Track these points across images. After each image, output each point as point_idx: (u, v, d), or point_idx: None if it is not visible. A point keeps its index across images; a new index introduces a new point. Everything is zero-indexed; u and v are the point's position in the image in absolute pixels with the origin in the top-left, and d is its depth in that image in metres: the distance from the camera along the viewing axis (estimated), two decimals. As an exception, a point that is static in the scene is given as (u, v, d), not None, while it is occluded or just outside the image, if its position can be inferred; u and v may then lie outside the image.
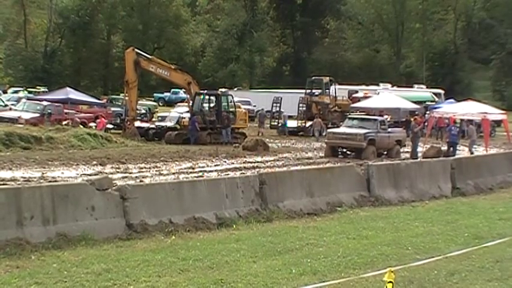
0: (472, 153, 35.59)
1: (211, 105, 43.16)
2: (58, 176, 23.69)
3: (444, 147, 36.82)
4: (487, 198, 22.23)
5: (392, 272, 8.96)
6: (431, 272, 11.81)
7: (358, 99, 57.38)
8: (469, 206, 20.01)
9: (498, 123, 46.98)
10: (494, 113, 39.70)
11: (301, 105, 51.76)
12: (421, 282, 11.17)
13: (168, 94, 79.72)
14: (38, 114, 41.64)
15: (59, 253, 12.28)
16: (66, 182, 20.43)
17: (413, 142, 35.81)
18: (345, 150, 34.99)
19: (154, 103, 71.99)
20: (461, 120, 42.51)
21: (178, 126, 42.40)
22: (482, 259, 12.93)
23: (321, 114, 51.41)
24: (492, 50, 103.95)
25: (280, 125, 51.38)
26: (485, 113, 37.41)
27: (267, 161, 32.05)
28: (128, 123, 41.55)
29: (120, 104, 52.50)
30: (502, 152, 34.96)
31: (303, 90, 54.44)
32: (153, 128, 43.21)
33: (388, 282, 8.66)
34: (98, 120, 44.26)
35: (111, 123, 45.42)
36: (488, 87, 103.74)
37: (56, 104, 44.43)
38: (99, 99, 56.33)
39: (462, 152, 36.95)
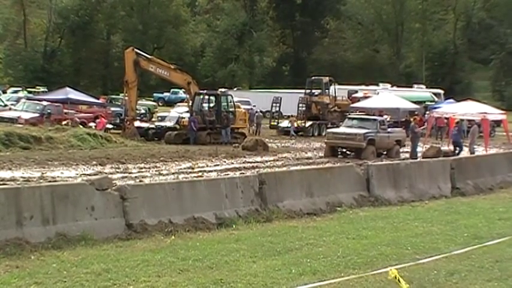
0: (472, 153, 35.57)
1: (211, 105, 43.20)
2: (58, 176, 23.71)
3: (444, 147, 36.89)
4: (486, 198, 22.21)
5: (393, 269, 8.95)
6: (430, 271, 11.80)
7: (358, 99, 57.46)
8: (469, 206, 19.99)
9: (498, 123, 47.01)
10: (494, 113, 39.70)
11: (300, 105, 51.82)
12: (421, 282, 11.16)
13: (167, 94, 79.85)
14: (37, 114, 41.65)
15: (58, 253, 12.28)
16: (66, 182, 20.41)
17: (412, 142, 35.81)
18: (344, 150, 35.02)
19: (154, 103, 72.11)
20: (461, 120, 42.50)
21: (177, 126, 42.42)
22: (482, 259, 12.92)
23: (321, 114, 51.63)
24: (492, 50, 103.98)
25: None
26: (485, 113, 37.43)
27: (266, 161, 32.08)
28: (128, 123, 41.58)
29: (119, 104, 52.53)
30: (502, 152, 34.97)
31: (303, 90, 54.49)
32: (152, 128, 43.26)
33: (396, 277, 8.64)
34: (97, 120, 44.28)
35: (110, 123, 45.42)
36: (488, 87, 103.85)
37: (56, 104, 44.43)
38: (97, 99, 56.33)
39: (462, 152, 36.94)
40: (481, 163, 25.54)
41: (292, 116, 51.86)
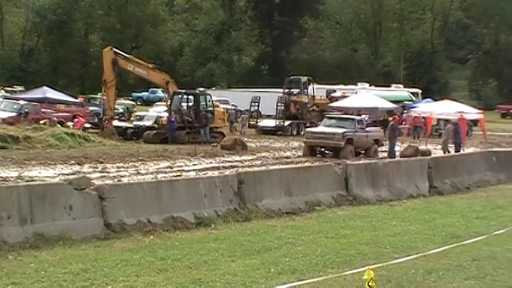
0: (448, 152, 35.65)
1: (190, 104, 43.14)
2: (35, 176, 23.58)
3: (422, 147, 37.10)
4: (464, 197, 22.34)
5: (371, 270, 8.99)
6: (408, 270, 11.85)
7: (336, 99, 57.61)
8: (447, 205, 20.10)
9: (475, 122, 47.34)
10: (471, 113, 39.96)
11: (279, 104, 51.85)
12: (399, 281, 11.20)
13: (146, 93, 79.58)
14: (15, 114, 41.35)
15: (36, 253, 12.21)
16: (44, 181, 20.30)
17: (391, 141, 35.90)
18: (323, 149, 35.09)
19: (133, 102, 71.81)
20: (439, 119, 42.74)
21: (156, 126, 42.33)
22: (460, 258, 12.99)
23: (299, 114, 51.77)
24: (469, 50, 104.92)
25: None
26: (462, 112, 37.65)
27: (245, 161, 32.06)
28: (106, 122, 41.39)
29: (98, 103, 52.33)
30: (479, 151, 35.18)
31: (281, 90, 54.56)
32: (131, 127, 43.14)
33: (369, 280, 8.66)
34: (75, 120, 44.10)
35: (89, 123, 45.24)
36: (465, 87, 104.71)
37: (33, 103, 44.20)
38: (75, 98, 56.15)
39: (440, 151, 37.18)
40: (458, 162, 25.70)
41: (244, 114, 52.90)
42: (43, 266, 11.37)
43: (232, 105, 59.34)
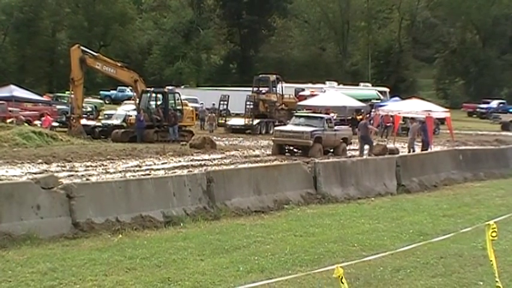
0: (413, 150, 35.78)
1: (158, 103, 43.01)
2: (2, 175, 23.37)
3: (390, 145, 37.30)
4: (431, 195, 22.48)
5: (340, 267, 9.01)
6: (377, 268, 11.91)
7: (305, 97, 57.81)
8: (414, 203, 20.21)
9: (442, 121, 47.70)
10: (438, 111, 40.23)
11: (248, 103, 51.90)
12: (367, 279, 11.26)
13: (114, 92, 79.17)
14: (-19, 113, 41.07)
15: (3, 252, 12.11)
16: (11, 180, 20.15)
17: (366, 139, 35.53)
18: (291, 148, 35.14)
19: (101, 101, 71.44)
20: (405, 118, 42.94)
21: (124, 124, 42.18)
22: (427, 255, 13.08)
23: (268, 112, 51.85)
24: (436, 49, 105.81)
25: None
26: (429, 110, 37.87)
27: (214, 159, 32.01)
28: (74, 121, 41.17)
29: (65, 101, 52.04)
30: (446, 149, 35.41)
31: (250, 88, 54.60)
32: (99, 126, 43.00)
33: (340, 278, 8.68)
34: (43, 118, 43.80)
35: (56, 121, 44.97)
36: (432, 86, 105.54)
37: (0, 102, 43.84)
38: (41, 97, 55.79)
39: (405, 149, 37.37)
40: (425, 160, 25.85)
41: (212, 113, 53.39)
42: (10, 266, 11.29)
43: (201, 104, 59.22)
